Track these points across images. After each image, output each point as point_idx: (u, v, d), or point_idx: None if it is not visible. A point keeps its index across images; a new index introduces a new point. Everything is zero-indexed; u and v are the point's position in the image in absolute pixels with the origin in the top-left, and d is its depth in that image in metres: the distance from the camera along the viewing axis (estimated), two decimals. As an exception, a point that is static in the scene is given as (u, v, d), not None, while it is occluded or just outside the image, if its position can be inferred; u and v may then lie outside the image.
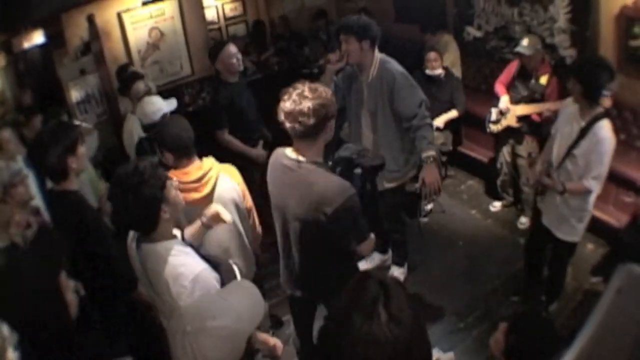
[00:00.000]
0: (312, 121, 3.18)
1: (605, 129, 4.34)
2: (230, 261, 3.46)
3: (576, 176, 4.52)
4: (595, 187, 4.42)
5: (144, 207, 2.83)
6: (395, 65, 5.06)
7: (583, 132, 4.43)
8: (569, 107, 4.70)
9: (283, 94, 3.29)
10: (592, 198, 4.61)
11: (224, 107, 5.89)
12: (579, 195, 4.57)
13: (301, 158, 3.39)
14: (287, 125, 3.23)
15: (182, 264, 2.91)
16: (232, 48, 5.94)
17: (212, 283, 2.92)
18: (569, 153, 4.55)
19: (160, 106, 5.33)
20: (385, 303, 1.68)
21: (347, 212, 3.31)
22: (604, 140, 4.31)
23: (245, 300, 2.23)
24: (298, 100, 3.17)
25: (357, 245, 3.62)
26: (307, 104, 3.15)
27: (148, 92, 5.87)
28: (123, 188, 2.82)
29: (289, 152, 3.46)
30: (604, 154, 4.32)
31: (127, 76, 6.22)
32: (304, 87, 3.23)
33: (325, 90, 3.30)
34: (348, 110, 5.39)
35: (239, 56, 5.97)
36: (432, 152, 4.88)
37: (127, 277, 3.57)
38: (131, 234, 3.13)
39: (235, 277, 3.10)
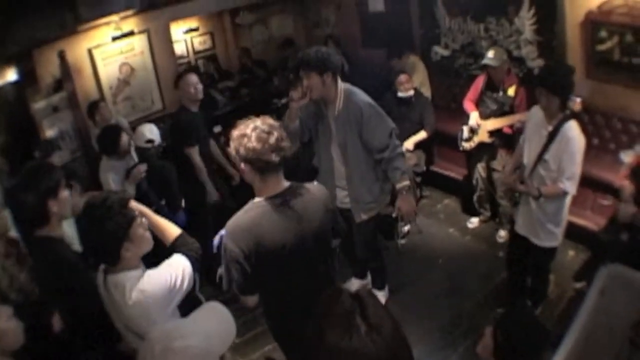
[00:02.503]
0: (288, 144, 3.24)
1: (573, 129, 4.44)
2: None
3: (550, 181, 4.60)
4: (571, 187, 4.49)
5: (105, 242, 2.85)
6: (361, 96, 4.92)
7: (551, 136, 4.52)
8: (535, 115, 4.78)
9: (234, 140, 3.22)
10: (568, 201, 4.68)
11: (187, 128, 6.03)
12: (555, 200, 4.64)
13: (286, 183, 3.38)
14: (272, 158, 3.14)
15: (140, 288, 2.89)
16: (192, 77, 6.08)
17: (163, 280, 2.94)
18: (540, 159, 4.63)
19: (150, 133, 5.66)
20: (362, 314, 1.65)
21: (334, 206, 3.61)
22: (573, 139, 4.41)
23: (214, 321, 2.23)
24: (266, 134, 3.14)
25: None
26: (278, 133, 3.17)
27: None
28: (89, 219, 2.85)
29: (269, 192, 3.33)
30: (575, 153, 4.41)
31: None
32: (256, 123, 3.19)
33: (272, 120, 3.31)
34: (317, 146, 5.27)
35: (199, 86, 6.08)
36: (406, 182, 4.97)
37: (111, 331, 3.31)
38: (101, 267, 3.11)
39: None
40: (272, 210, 3.27)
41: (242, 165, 3.24)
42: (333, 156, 5.13)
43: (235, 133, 3.20)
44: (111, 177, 5.52)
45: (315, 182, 4.08)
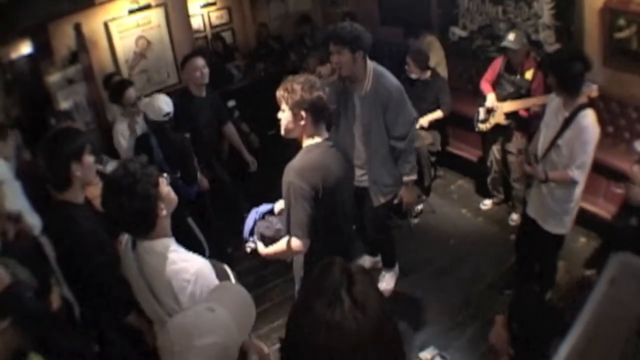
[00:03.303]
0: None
1: (588, 117, 4.40)
2: (225, 266, 3.44)
3: (561, 166, 4.58)
4: (580, 176, 4.48)
5: (140, 207, 2.81)
6: (391, 80, 4.91)
7: (567, 122, 4.49)
8: (554, 101, 4.75)
9: (285, 91, 3.49)
10: (578, 190, 4.66)
11: (184, 115, 5.88)
12: (564, 186, 4.62)
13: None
14: (315, 96, 3.44)
15: (183, 259, 2.91)
16: (199, 61, 5.96)
17: (213, 278, 2.93)
18: (553, 144, 4.61)
19: (164, 105, 5.46)
20: (349, 289, 1.63)
21: None
22: (586, 128, 4.37)
23: (234, 309, 2.20)
24: (313, 81, 3.49)
25: None
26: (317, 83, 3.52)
27: (138, 99, 5.91)
28: (116, 190, 2.80)
29: (318, 138, 3.62)
30: (588, 143, 4.39)
31: (116, 84, 6.22)
32: (300, 78, 3.52)
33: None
34: (337, 126, 5.19)
35: (205, 70, 5.98)
36: (414, 177, 5.16)
37: (124, 301, 3.37)
38: (125, 238, 3.12)
39: (229, 278, 3.10)
40: (331, 150, 3.63)
41: (302, 112, 3.48)
42: (355, 137, 5.09)
43: (299, 82, 3.46)
44: (122, 140, 5.75)
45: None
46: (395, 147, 4.99)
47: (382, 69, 4.91)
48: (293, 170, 3.50)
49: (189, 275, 2.82)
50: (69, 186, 3.54)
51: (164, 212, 2.92)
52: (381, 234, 5.72)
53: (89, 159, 3.62)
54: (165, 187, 3.00)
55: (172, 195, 3.08)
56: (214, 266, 3.11)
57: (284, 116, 3.56)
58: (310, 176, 3.46)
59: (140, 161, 2.95)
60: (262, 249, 3.84)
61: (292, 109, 3.48)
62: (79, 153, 3.54)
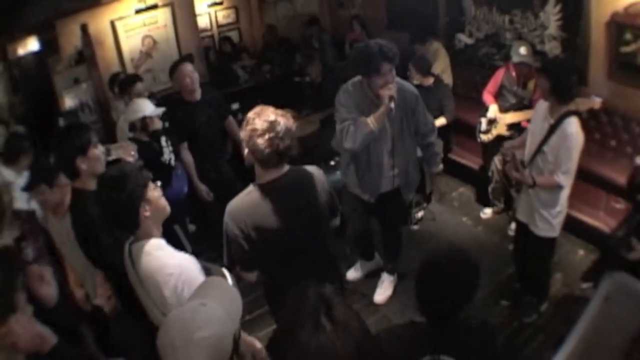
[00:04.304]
0: (287, 143, 3.25)
1: (573, 125, 4.42)
2: (223, 269, 3.47)
3: (547, 172, 4.60)
4: (566, 181, 4.50)
5: (124, 203, 2.92)
6: (409, 84, 5.06)
7: (552, 129, 4.51)
8: (541, 106, 4.78)
9: (244, 127, 3.30)
10: (564, 194, 4.66)
11: (180, 124, 5.86)
12: (550, 190, 4.65)
13: (285, 167, 3.44)
14: (266, 152, 3.21)
15: (167, 255, 2.99)
16: (187, 67, 5.83)
17: (196, 272, 2.98)
18: (539, 149, 4.63)
19: (143, 107, 5.35)
20: (328, 313, 1.70)
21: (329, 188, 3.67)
22: (571, 135, 4.39)
23: (224, 301, 2.26)
24: (270, 127, 3.19)
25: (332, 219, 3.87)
26: (280, 128, 3.20)
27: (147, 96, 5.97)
28: (107, 185, 2.97)
29: (268, 177, 3.40)
30: (572, 149, 4.39)
31: (127, 78, 6.27)
32: (268, 116, 3.23)
33: (284, 112, 3.37)
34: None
35: (194, 76, 5.85)
36: (441, 167, 5.35)
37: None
38: (127, 241, 3.18)
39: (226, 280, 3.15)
40: (270, 194, 3.39)
41: (246, 151, 3.35)
42: (383, 149, 4.97)
43: (247, 119, 3.29)
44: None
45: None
46: (428, 142, 5.12)
47: (397, 78, 4.87)
48: (227, 209, 3.46)
49: (172, 269, 2.88)
50: (77, 176, 3.86)
51: (148, 214, 2.99)
52: (398, 235, 5.87)
53: (95, 152, 3.88)
54: (153, 191, 3.08)
55: (162, 202, 3.15)
56: (212, 269, 3.16)
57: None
58: (236, 218, 3.39)
59: (135, 164, 3.07)
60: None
61: (244, 141, 3.35)
62: (84, 148, 3.81)
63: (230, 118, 6.46)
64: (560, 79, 4.43)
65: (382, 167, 5.04)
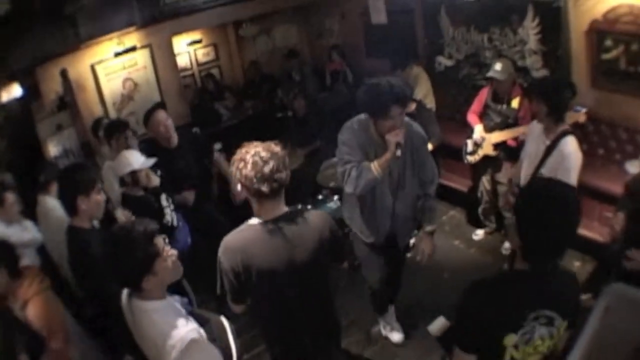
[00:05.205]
0: (282, 176, 3.20)
1: (570, 144, 4.42)
2: (222, 317, 3.44)
3: None
4: None
5: (124, 273, 2.89)
6: (417, 125, 4.65)
7: (549, 150, 4.52)
8: (534, 129, 4.77)
9: (233, 162, 3.25)
10: None
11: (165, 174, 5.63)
12: None
13: (284, 208, 3.38)
14: (254, 188, 3.16)
15: (169, 323, 2.88)
16: (160, 115, 5.75)
17: (199, 345, 2.92)
18: (536, 173, 4.61)
19: (131, 161, 5.14)
20: None
21: (337, 233, 3.54)
22: (569, 155, 4.39)
23: None
24: (260, 161, 3.14)
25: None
26: (271, 163, 3.15)
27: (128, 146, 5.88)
28: (112, 248, 2.89)
29: (264, 216, 3.34)
30: (570, 170, 4.39)
31: (113, 124, 6.22)
32: (257, 148, 3.20)
33: (275, 146, 3.30)
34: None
35: (169, 122, 5.75)
36: (435, 226, 4.88)
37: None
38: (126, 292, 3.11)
39: (225, 332, 3.19)
40: (263, 235, 3.29)
41: (239, 187, 3.28)
42: (388, 190, 4.67)
43: (236, 155, 3.24)
44: (114, 183, 5.54)
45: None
46: (426, 193, 4.76)
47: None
48: (221, 244, 3.37)
49: (174, 341, 2.79)
50: (75, 214, 4.02)
51: (150, 286, 2.90)
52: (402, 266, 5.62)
53: (97, 197, 4.05)
54: (165, 262, 2.96)
55: (171, 270, 3.03)
56: (211, 319, 3.10)
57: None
58: (230, 257, 3.30)
59: (147, 229, 2.93)
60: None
61: (234, 177, 3.29)
62: (88, 189, 3.96)
63: (216, 154, 6.41)
64: (556, 98, 4.44)
65: (388, 211, 4.77)
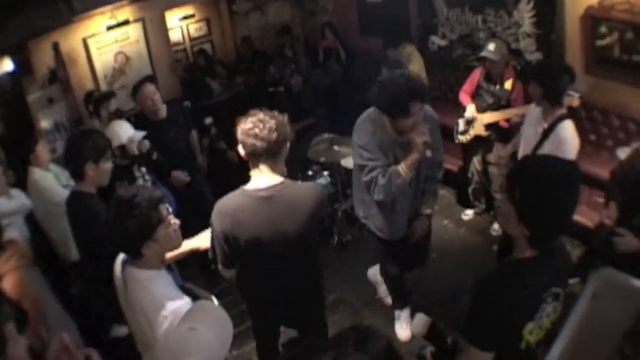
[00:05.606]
0: (274, 136, 3.25)
1: (567, 129, 4.44)
2: (213, 297, 3.47)
3: None
4: None
5: (125, 238, 2.88)
6: (429, 108, 4.37)
7: (546, 134, 4.53)
8: (534, 111, 4.77)
9: (239, 120, 3.34)
10: None
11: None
12: None
13: (279, 179, 3.41)
14: (249, 143, 3.28)
15: (163, 294, 2.89)
16: (148, 88, 5.75)
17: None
18: (533, 155, 4.61)
19: (120, 135, 5.16)
20: None
21: (326, 208, 3.74)
22: (566, 139, 4.41)
23: (214, 327, 2.23)
24: (258, 121, 3.26)
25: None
26: (268, 124, 3.25)
27: (117, 114, 5.87)
28: (115, 211, 2.89)
29: (258, 184, 3.41)
30: (567, 153, 4.38)
31: (99, 95, 6.22)
32: (260, 113, 3.32)
33: (277, 114, 3.38)
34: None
35: (156, 96, 5.77)
36: (432, 210, 4.82)
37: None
38: (120, 256, 3.13)
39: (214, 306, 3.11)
40: (254, 203, 3.38)
41: (241, 150, 3.40)
42: (410, 189, 4.49)
43: (239, 121, 3.36)
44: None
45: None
46: (434, 174, 4.67)
47: None
48: (215, 207, 3.47)
49: (167, 312, 2.80)
50: (81, 180, 4.02)
51: (150, 252, 2.91)
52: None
53: (106, 165, 4.07)
54: (167, 230, 2.97)
55: (172, 238, 3.04)
56: (201, 295, 3.11)
57: None
58: (220, 218, 3.42)
59: (152, 196, 2.94)
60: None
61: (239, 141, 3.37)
62: (97, 156, 3.97)
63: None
64: (552, 82, 4.43)
65: (407, 205, 4.62)
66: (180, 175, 5.94)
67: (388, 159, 4.24)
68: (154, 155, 5.39)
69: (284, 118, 3.42)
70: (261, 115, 3.29)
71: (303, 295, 3.84)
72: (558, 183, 2.35)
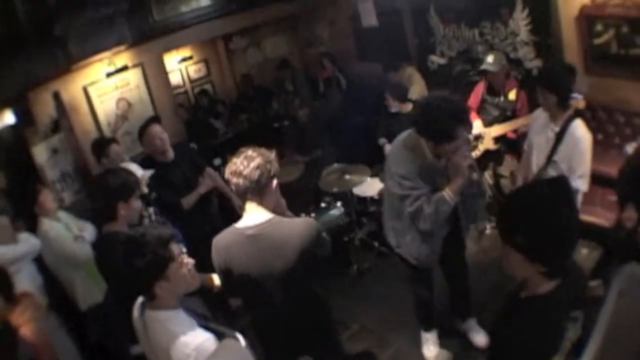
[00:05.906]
0: (256, 174, 3.28)
1: (580, 127, 4.44)
2: (236, 333, 3.38)
3: None
4: (583, 185, 4.49)
5: (134, 278, 2.82)
6: None
7: (559, 137, 4.48)
8: (539, 117, 4.74)
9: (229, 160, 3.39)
10: (579, 198, 4.63)
11: (164, 187, 5.61)
12: None
13: (267, 215, 3.42)
14: (234, 182, 3.34)
15: (185, 332, 2.83)
16: (155, 129, 5.70)
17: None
18: (549, 161, 4.58)
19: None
20: None
21: (323, 241, 3.59)
22: (581, 138, 4.40)
23: None
24: (243, 159, 3.31)
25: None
26: (252, 162, 3.29)
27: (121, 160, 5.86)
28: (124, 252, 2.83)
29: (247, 221, 3.45)
30: (585, 152, 4.41)
31: (100, 142, 6.19)
32: (247, 150, 3.37)
33: (266, 151, 3.41)
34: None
35: (164, 136, 5.72)
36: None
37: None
38: (139, 299, 3.07)
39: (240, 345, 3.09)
40: (243, 240, 3.43)
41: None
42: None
43: (247, 159, 3.36)
44: None
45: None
46: (474, 192, 4.83)
47: None
48: (212, 242, 3.58)
49: (189, 350, 2.74)
50: (114, 220, 3.88)
51: (162, 292, 2.85)
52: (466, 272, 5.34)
53: (136, 202, 3.99)
54: (180, 269, 2.92)
55: (186, 278, 2.97)
56: (226, 334, 3.05)
57: None
58: (216, 254, 3.54)
59: (162, 234, 2.89)
60: None
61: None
62: (127, 194, 3.88)
63: (208, 169, 6.36)
64: (562, 85, 4.44)
65: (443, 228, 4.48)
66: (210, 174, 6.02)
67: (428, 186, 4.11)
68: (152, 195, 5.33)
69: (272, 154, 3.43)
70: (249, 152, 3.35)
71: (306, 324, 3.78)
72: (556, 206, 2.30)
